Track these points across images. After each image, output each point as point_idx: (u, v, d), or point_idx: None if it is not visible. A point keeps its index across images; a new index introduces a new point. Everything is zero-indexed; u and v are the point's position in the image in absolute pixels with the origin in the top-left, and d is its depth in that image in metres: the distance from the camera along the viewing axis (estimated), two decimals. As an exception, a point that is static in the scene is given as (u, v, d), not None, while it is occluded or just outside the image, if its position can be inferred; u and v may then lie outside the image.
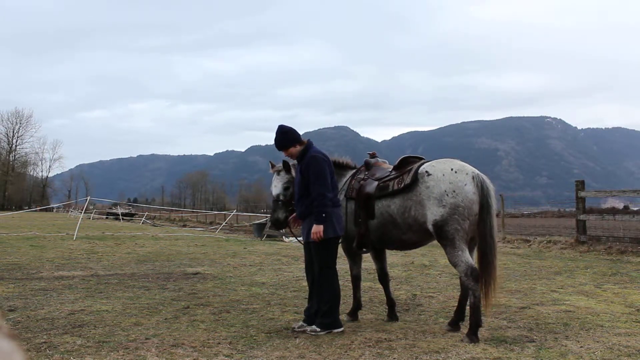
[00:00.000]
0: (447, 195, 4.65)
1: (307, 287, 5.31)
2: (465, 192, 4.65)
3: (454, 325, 4.99)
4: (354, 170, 5.60)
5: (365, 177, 5.34)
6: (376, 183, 5.16)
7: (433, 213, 4.69)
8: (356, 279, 5.61)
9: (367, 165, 5.49)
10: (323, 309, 4.81)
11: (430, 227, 4.73)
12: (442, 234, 4.66)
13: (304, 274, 8.99)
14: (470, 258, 4.71)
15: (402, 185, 4.92)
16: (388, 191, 5.02)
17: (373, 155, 5.63)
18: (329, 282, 4.89)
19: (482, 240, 4.71)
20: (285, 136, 5.14)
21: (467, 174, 4.75)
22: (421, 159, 5.20)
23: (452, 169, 4.78)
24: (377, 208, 5.08)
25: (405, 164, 5.18)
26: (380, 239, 5.19)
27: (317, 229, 4.79)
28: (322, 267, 4.90)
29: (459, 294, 5.17)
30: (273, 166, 5.86)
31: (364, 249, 5.40)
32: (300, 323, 4.99)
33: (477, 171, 4.83)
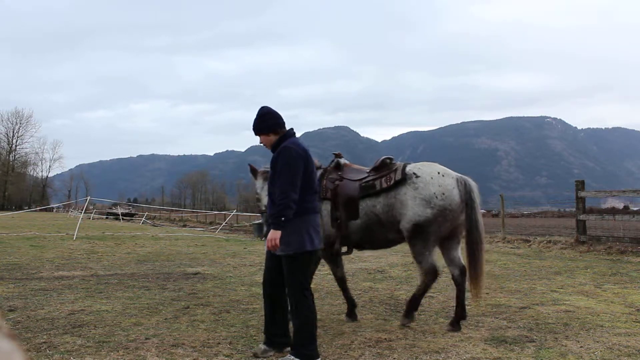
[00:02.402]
0: (437, 197, 4.84)
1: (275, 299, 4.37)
2: (453, 196, 4.89)
3: (455, 325, 5.00)
4: (322, 170, 5.42)
5: (340, 178, 5.26)
6: (357, 184, 5.12)
7: (417, 213, 4.83)
8: (341, 281, 5.54)
9: (338, 166, 5.43)
10: (302, 337, 4.00)
11: (407, 225, 4.86)
12: (421, 233, 4.85)
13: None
14: (434, 259, 4.96)
15: (392, 182, 4.98)
16: (375, 190, 5.01)
17: (339, 156, 5.58)
18: (306, 305, 4.05)
19: (470, 234, 4.94)
20: (262, 119, 4.28)
21: (452, 177, 5.00)
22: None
23: (438, 172, 4.99)
24: (361, 208, 5.05)
25: (385, 166, 5.21)
26: (364, 239, 5.16)
27: (273, 236, 3.95)
28: (299, 288, 4.07)
29: (459, 293, 5.17)
30: (255, 171, 5.28)
31: (344, 251, 5.37)
32: (263, 347, 4.23)
33: (459, 174, 5.06)
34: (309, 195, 4.13)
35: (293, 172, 4.01)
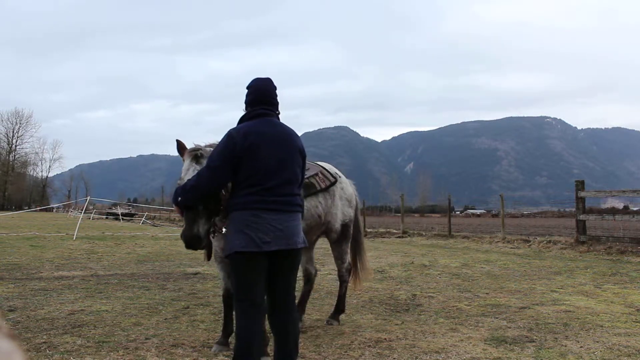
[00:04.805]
0: (354, 197, 5.25)
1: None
2: (355, 195, 5.31)
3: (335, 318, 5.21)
4: None
5: None
6: None
7: (344, 213, 5.07)
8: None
9: None
10: (235, 352, 3.33)
11: (337, 226, 5.03)
12: (347, 232, 5.16)
13: (302, 275, 8.91)
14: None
15: (329, 183, 4.96)
16: (316, 189, 4.78)
17: None
18: (242, 319, 3.33)
19: (356, 229, 5.46)
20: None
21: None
22: None
23: (341, 174, 5.28)
24: (306, 209, 4.60)
25: None
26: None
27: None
28: (236, 297, 3.39)
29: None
30: (182, 148, 3.92)
31: None
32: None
33: None
34: (243, 190, 3.34)
35: (213, 154, 3.44)
